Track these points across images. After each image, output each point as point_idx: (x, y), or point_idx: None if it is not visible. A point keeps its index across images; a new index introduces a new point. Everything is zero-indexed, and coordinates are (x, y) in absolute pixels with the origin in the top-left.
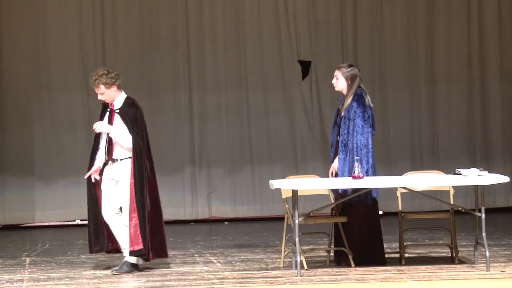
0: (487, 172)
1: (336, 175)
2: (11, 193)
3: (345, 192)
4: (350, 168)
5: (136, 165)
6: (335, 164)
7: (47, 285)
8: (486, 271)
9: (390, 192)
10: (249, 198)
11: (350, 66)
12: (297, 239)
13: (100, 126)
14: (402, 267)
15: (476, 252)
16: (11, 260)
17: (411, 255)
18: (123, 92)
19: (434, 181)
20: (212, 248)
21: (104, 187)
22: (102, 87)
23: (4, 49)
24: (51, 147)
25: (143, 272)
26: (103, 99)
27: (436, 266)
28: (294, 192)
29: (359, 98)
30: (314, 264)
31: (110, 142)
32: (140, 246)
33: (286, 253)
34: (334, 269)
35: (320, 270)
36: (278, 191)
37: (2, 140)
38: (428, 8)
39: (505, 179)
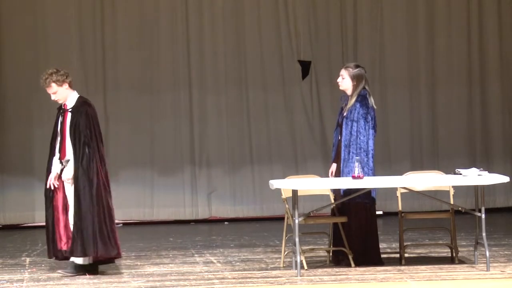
0: (487, 172)
1: (338, 175)
2: (11, 193)
3: (345, 192)
4: (351, 169)
5: (81, 167)
6: (333, 167)
7: (47, 285)
8: (486, 271)
9: (390, 192)
10: (249, 198)
11: (357, 66)
12: (297, 239)
13: (52, 181)
14: (402, 267)
15: (476, 252)
16: (11, 260)
17: (411, 255)
18: (75, 92)
19: (434, 181)
20: (212, 248)
21: (60, 188)
22: (53, 85)
23: (4, 49)
24: None
25: (143, 272)
26: (56, 98)
27: (436, 266)
28: (294, 192)
29: (363, 99)
30: (314, 264)
31: (62, 143)
32: (86, 249)
33: (286, 253)
34: (334, 269)
35: (320, 270)
36: (278, 191)
37: (2, 140)
38: (428, 8)
39: (505, 179)
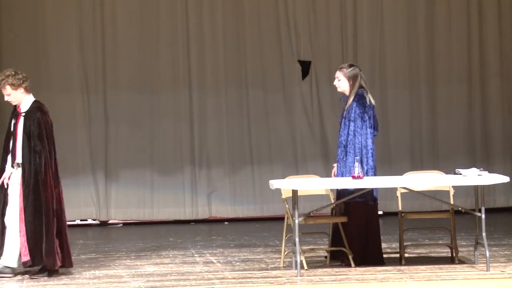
0: (487, 172)
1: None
2: None
3: (345, 192)
4: (349, 169)
5: (29, 172)
6: (335, 167)
7: (47, 285)
8: (486, 271)
9: (390, 192)
10: (249, 198)
11: (351, 66)
12: (297, 239)
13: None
14: (402, 267)
15: (476, 252)
16: None
17: (411, 255)
18: (31, 95)
19: (434, 181)
20: (212, 248)
21: (9, 191)
22: (8, 88)
23: (4, 49)
24: None
25: (143, 272)
26: (9, 100)
27: (436, 266)
28: (294, 192)
29: (360, 98)
30: (314, 264)
31: (14, 145)
32: (27, 258)
33: (286, 253)
34: (334, 269)
35: (320, 270)
36: (278, 191)
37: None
38: (428, 8)
39: (505, 179)
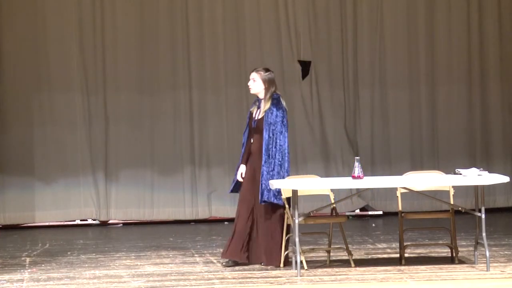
0: (487, 172)
1: (249, 178)
2: (11, 193)
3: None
4: (272, 171)
5: None
6: (243, 168)
7: (47, 285)
8: (486, 271)
9: (390, 192)
10: None
11: (267, 70)
12: (297, 239)
13: None
14: (402, 267)
15: (476, 252)
16: (11, 260)
17: (411, 255)
18: None
19: (434, 181)
20: (212, 248)
21: None
22: None
23: (5, 49)
24: (51, 147)
25: (143, 272)
26: None
27: (436, 266)
28: (294, 192)
29: (278, 102)
30: (314, 264)
31: None
32: None
33: (286, 253)
34: (334, 269)
35: (320, 270)
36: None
37: (2, 140)
38: (428, 8)
39: (505, 179)
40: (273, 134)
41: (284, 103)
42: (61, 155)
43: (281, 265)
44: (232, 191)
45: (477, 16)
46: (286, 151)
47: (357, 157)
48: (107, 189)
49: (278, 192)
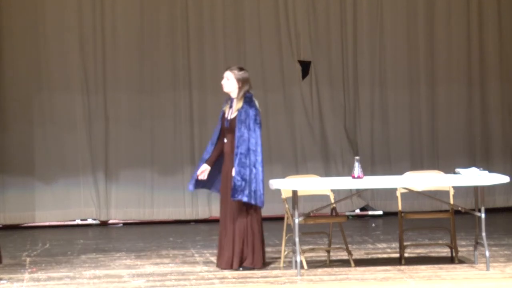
0: (487, 172)
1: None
2: (11, 193)
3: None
4: (240, 169)
5: None
6: (205, 166)
7: (47, 285)
8: (486, 271)
9: (390, 192)
10: None
11: (241, 69)
12: (297, 239)
13: None
14: (402, 267)
15: (476, 252)
16: (11, 260)
17: (411, 255)
18: None
19: (434, 181)
20: (212, 248)
21: None
22: None
23: (5, 49)
24: (51, 147)
25: (143, 272)
26: None
27: (436, 266)
28: (294, 192)
29: (250, 101)
30: (314, 264)
31: None
32: None
33: (286, 253)
34: (334, 269)
35: (320, 270)
36: (278, 191)
37: (2, 140)
38: (428, 8)
39: (505, 179)
40: (246, 133)
41: (257, 102)
42: (61, 155)
43: (261, 265)
44: (196, 187)
45: (477, 16)
46: (259, 149)
47: (357, 157)
48: (107, 189)
49: (254, 191)
